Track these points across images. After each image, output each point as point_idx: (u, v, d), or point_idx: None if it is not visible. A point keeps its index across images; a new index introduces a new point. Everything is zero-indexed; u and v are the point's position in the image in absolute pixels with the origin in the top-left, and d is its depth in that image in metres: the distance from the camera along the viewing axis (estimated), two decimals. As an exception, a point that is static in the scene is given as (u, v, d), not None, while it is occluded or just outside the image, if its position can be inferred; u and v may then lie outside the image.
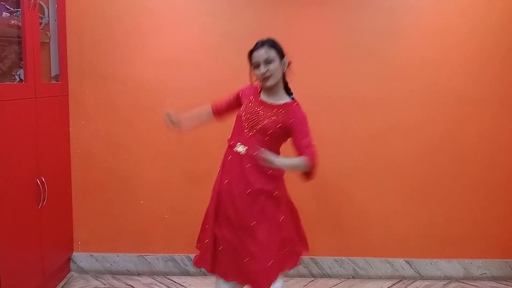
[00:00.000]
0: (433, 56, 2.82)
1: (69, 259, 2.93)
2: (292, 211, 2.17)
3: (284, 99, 2.06)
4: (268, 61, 1.97)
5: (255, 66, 2.01)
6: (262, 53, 1.97)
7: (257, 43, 2.02)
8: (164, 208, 2.91)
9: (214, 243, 2.06)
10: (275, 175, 2.02)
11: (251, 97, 2.10)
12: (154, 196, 2.91)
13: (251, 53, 2.03)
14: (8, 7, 2.38)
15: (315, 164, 1.93)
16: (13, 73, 2.42)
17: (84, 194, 2.90)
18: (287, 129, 1.99)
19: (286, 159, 1.94)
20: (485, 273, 2.96)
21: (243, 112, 2.06)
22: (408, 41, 2.81)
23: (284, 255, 2.05)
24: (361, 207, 2.93)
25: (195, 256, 2.18)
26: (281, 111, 2.01)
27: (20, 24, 2.30)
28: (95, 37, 2.80)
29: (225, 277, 2.05)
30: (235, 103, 2.18)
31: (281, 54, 2.01)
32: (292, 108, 2.03)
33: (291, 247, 2.09)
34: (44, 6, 2.63)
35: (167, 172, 2.89)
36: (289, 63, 2.06)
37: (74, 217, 2.91)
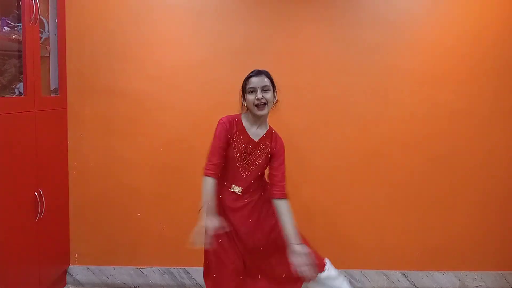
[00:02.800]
0: (429, 70, 2.87)
1: (65, 272, 2.93)
2: None
3: (265, 128, 2.15)
4: (265, 89, 2.03)
5: (250, 91, 2.04)
6: (260, 80, 2.03)
7: (254, 71, 2.08)
8: (161, 221, 2.92)
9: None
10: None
11: (237, 134, 2.09)
12: (151, 209, 2.92)
13: (247, 78, 2.06)
14: (9, 22, 2.43)
15: (286, 196, 2.09)
16: (13, 86, 2.45)
17: (81, 207, 2.91)
18: (271, 155, 2.13)
19: (292, 227, 2.03)
20: (481, 285, 2.97)
21: (236, 154, 2.08)
22: (403, 56, 2.87)
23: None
24: (358, 220, 2.95)
25: None
26: (267, 143, 2.12)
27: (20, 38, 2.34)
28: (94, 51, 2.84)
29: None
30: (226, 147, 2.11)
31: (274, 88, 2.09)
32: (272, 135, 2.15)
33: None
34: (45, 21, 2.67)
35: (164, 185, 2.90)
36: (277, 100, 2.13)
37: (71, 229, 2.92)
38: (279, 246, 2.09)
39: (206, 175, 2.01)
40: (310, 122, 2.90)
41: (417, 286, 2.96)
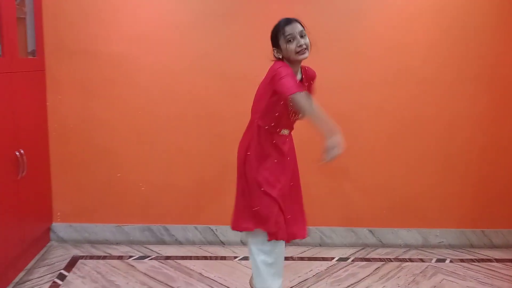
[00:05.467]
0: (399, 38, 2.96)
1: (48, 229, 3.05)
2: None
3: (299, 70, 2.18)
4: (302, 34, 2.03)
5: (289, 40, 2.01)
6: (297, 27, 2.02)
7: (283, 20, 2.05)
8: (141, 180, 3.03)
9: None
10: None
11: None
12: (131, 169, 3.02)
13: (282, 28, 2.03)
14: (-17, -18, 2.41)
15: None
16: (-11, 48, 2.47)
17: (62, 167, 3.00)
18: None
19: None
20: (442, 242, 3.19)
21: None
22: (373, 22, 2.95)
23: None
24: (326, 180, 3.10)
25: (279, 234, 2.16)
26: (307, 76, 2.23)
27: (-5, -1, 2.34)
28: (70, 13, 2.85)
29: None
30: None
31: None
32: (305, 69, 2.22)
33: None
34: (20, -18, 2.66)
35: (142, 146, 3.00)
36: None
37: (53, 189, 3.01)
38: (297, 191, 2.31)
39: (300, 91, 1.94)
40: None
41: (383, 242, 3.17)
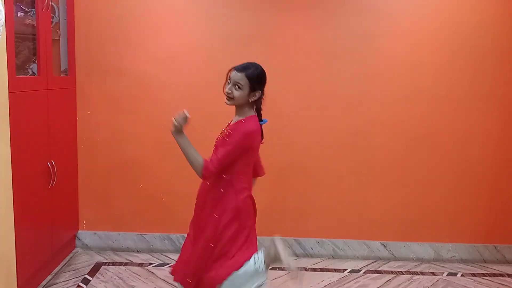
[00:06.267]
0: (412, 58, 3.08)
1: (74, 236, 3.23)
2: None
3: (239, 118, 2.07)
4: (237, 86, 1.99)
5: (228, 81, 2.05)
6: (236, 76, 1.99)
7: (241, 65, 2.04)
8: (161, 191, 3.20)
9: None
10: None
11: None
12: (152, 180, 3.19)
13: (231, 69, 2.05)
14: (23, 7, 2.66)
15: (205, 173, 1.99)
16: (26, 67, 2.70)
17: (89, 178, 3.19)
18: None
19: (190, 145, 2.07)
20: (454, 256, 3.23)
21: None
22: (388, 43, 3.08)
23: None
24: (342, 194, 3.20)
25: None
26: (231, 125, 2.09)
27: (33, 23, 2.58)
28: (100, 35, 3.08)
29: None
30: None
31: (254, 87, 2.01)
32: (240, 121, 2.04)
33: None
34: (55, 7, 2.90)
35: (164, 158, 3.16)
36: (262, 97, 2.06)
37: (80, 198, 3.20)
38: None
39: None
40: (301, 104, 3.13)
41: (395, 255, 3.23)
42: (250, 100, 2.03)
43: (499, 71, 3.09)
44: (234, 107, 2.09)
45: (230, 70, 2.05)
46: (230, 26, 3.07)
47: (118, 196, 3.21)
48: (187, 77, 3.11)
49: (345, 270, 3.05)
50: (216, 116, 3.11)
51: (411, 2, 3.05)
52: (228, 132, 2.03)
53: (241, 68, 2.02)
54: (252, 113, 2.06)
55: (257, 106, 2.08)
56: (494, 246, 3.21)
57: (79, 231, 3.24)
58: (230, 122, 2.15)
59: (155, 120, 3.14)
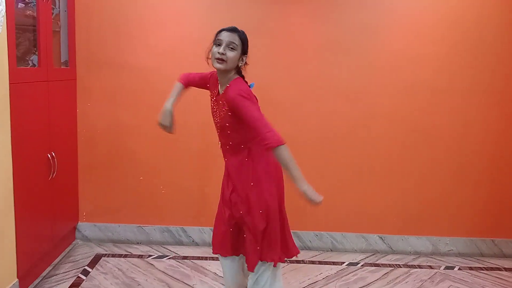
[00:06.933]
0: (412, 51, 3.09)
1: (74, 228, 3.24)
2: None
3: (226, 85, 2.00)
4: (231, 47, 1.93)
5: (216, 43, 1.96)
6: (230, 36, 1.93)
7: (230, 27, 1.98)
8: (161, 183, 3.21)
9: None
10: None
11: (214, 91, 2.08)
12: (152, 173, 3.20)
13: (219, 31, 1.98)
14: (24, -1, 2.65)
15: (281, 141, 1.90)
16: (27, 58, 2.70)
17: (89, 170, 3.20)
18: (235, 112, 1.92)
19: (300, 175, 2.00)
20: (452, 250, 3.25)
21: (211, 111, 2.08)
22: (388, 36, 3.08)
23: None
24: (340, 187, 3.21)
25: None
26: (225, 95, 1.96)
27: (34, 14, 2.57)
28: (101, 27, 3.07)
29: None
30: (204, 83, 2.18)
31: (244, 50, 1.99)
32: (228, 88, 1.95)
33: None
34: (55, -2, 2.90)
35: (164, 151, 3.18)
36: (246, 63, 2.03)
37: (79, 190, 3.21)
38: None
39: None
40: (301, 96, 3.14)
41: (393, 249, 3.25)
42: (239, 65, 1.98)
43: (500, 64, 3.09)
44: None
45: (217, 33, 1.98)
46: (231, 19, 3.03)
47: (118, 188, 3.22)
48: (187, 70, 3.03)
49: (343, 263, 3.07)
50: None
51: (412, -4, 3.05)
52: (233, 101, 1.89)
53: (232, 29, 1.96)
54: (237, 77, 2.01)
55: (240, 72, 2.03)
56: (492, 240, 3.24)
57: (79, 223, 3.25)
58: (216, 92, 2.05)
59: (155, 112, 3.09)
